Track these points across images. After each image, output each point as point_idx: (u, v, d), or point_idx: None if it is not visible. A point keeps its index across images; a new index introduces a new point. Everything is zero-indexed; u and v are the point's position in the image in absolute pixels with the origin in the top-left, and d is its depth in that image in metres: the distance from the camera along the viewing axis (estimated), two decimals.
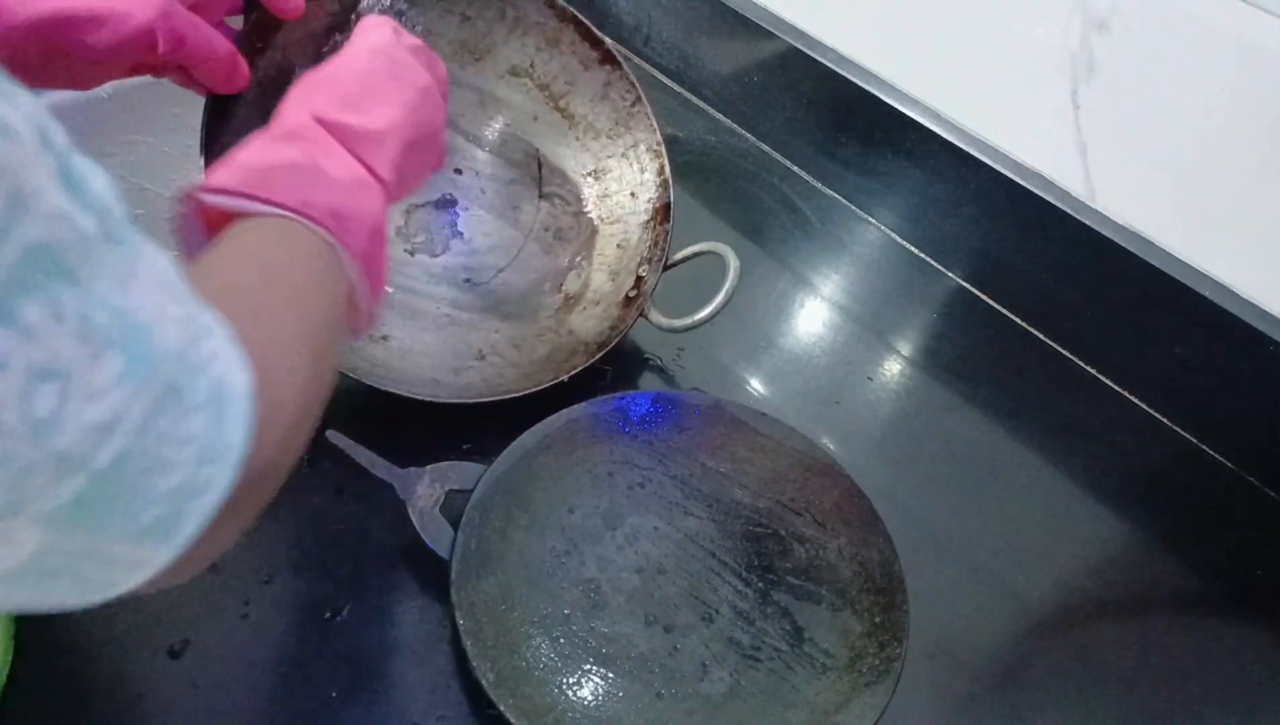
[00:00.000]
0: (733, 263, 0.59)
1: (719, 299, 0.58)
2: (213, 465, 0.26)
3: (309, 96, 0.42)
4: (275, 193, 0.37)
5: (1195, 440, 0.66)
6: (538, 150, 0.67)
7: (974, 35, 0.68)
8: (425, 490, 0.51)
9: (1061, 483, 0.63)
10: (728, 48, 0.83)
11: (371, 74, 0.44)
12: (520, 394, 0.57)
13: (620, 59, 0.62)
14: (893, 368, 0.68)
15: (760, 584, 0.52)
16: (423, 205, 0.67)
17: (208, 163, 0.53)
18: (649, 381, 0.64)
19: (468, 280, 0.67)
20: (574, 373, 0.59)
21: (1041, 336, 0.72)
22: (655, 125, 0.63)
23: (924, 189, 0.74)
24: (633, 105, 0.63)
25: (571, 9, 0.62)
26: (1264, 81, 0.55)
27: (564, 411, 0.57)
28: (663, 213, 0.63)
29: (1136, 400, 0.68)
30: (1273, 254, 0.59)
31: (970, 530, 0.59)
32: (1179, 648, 0.55)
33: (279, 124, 0.41)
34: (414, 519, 0.50)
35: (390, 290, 0.65)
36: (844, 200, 0.80)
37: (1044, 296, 0.71)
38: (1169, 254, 0.63)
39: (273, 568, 0.50)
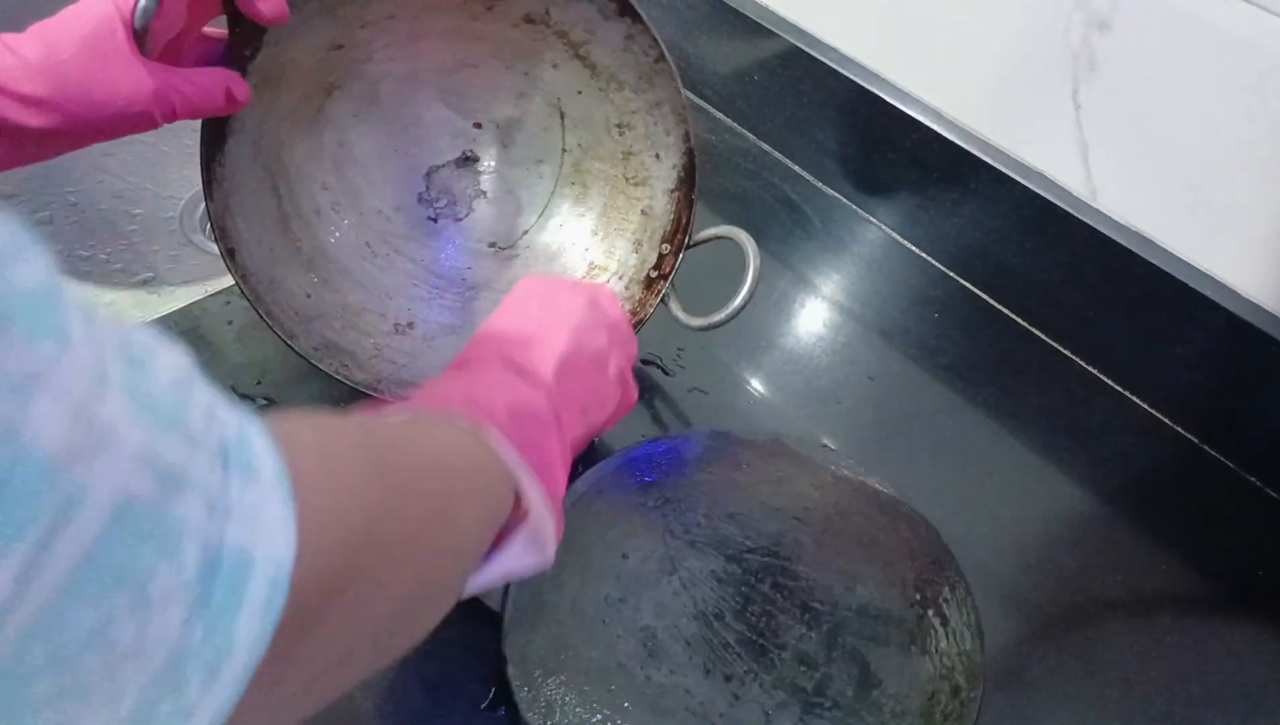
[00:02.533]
0: (752, 258, 0.55)
1: (739, 299, 0.55)
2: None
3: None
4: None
5: (1196, 440, 0.66)
6: (559, 100, 0.63)
7: (975, 34, 0.67)
8: None
9: (1062, 483, 0.63)
10: (728, 47, 0.83)
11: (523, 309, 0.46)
12: None
13: (640, 12, 0.56)
14: (894, 368, 0.68)
15: (824, 627, 0.50)
16: (444, 165, 0.65)
17: (209, 179, 0.52)
18: (648, 381, 0.64)
19: (493, 245, 0.65)
20: None
21: (1043, 336, 0.72)
22: (680, 86, 0.58)
23: (925, 188, 0.74)
24: (656, 62, 0.59)
25: None
26: (1266, 81, 0.55)
27: (617, 455, 0.56)
28: (687, 182, 0.60)
29: (1137, 400, 0.68)
30: (1274, 253, 0.59)
31: (971, 530, 0.59)
32: (1180, 648, 0.55)
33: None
34: None
35: (413, 265, 0.64)
36: (845, 200, 0.80)
37: (1045, 296, 0.71)
38: (1170, 253, 0.63)
39: None
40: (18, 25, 0.42)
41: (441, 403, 0.38)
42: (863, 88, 0.73)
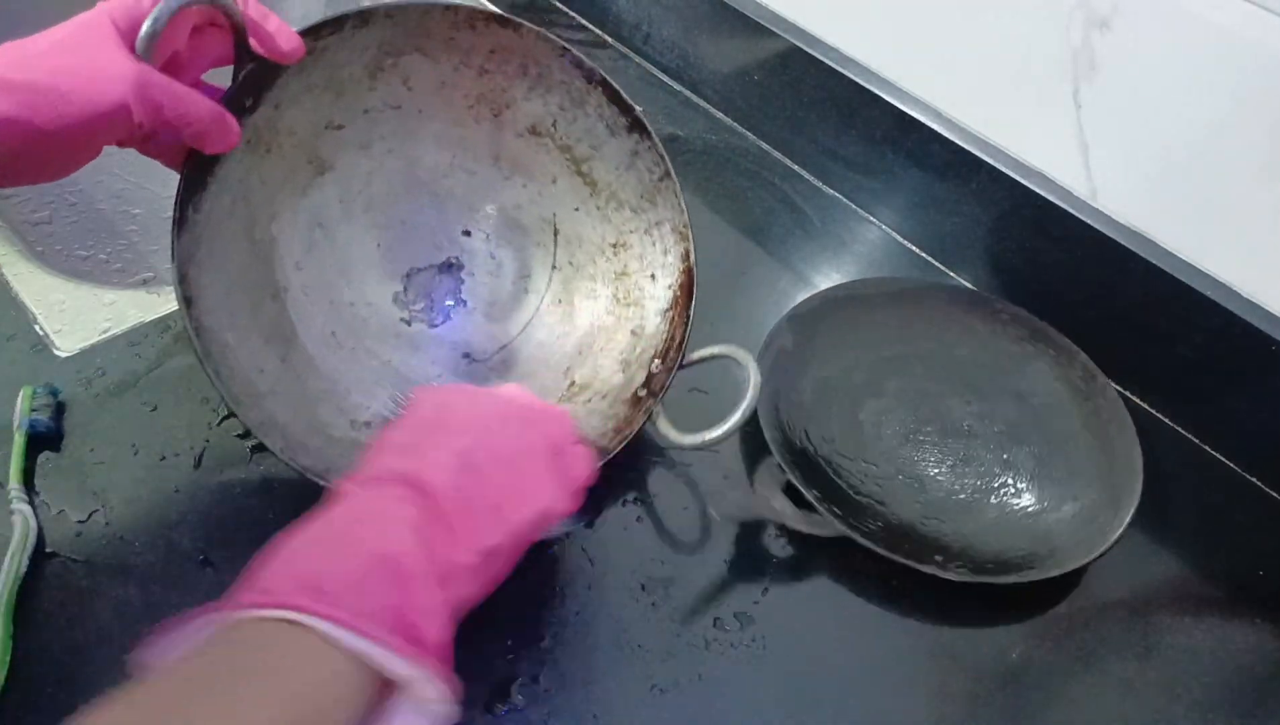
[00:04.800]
0: (753, 376, 0.51)
1: (736, 417, 0.50)
2: None
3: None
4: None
5: (1196, 440, 0.66)
6: (554, 216, 0.61)
7: (975, 34, 0.67)
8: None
9: None
10: (728, 46, 0.83)
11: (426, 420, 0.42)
12: None
13: (650, 128, 0.56)
14: None
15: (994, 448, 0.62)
16: (425, 269, 0.62)
17: (180, 219, 0.48)
18: None
19: (467, 355, 0.62)
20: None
21: None
22: (683, 205, 0.57)
23: (925, 188, 0.74)
24: (660, 180, 0.57)
25: (601, 72, 0.56)
26: (1266, 80, 0.55)
27: (842, 285, 0.69)
28: (684, 302, 0.57)
29: (1137, 400, 0.68)
30: (1274, 253, 0.59)
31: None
32: (1180, 648, 0.55)
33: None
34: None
35: (379, 364, 0.59)
36: (845, 199, 0.80)
37: (1045, 296, 0.71)
38: (1170, 253, 0.63)
39: None
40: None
41: (267, 595, 0.33)
42: (863, 87, 0.73)
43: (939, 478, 0.60)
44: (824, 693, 0.50)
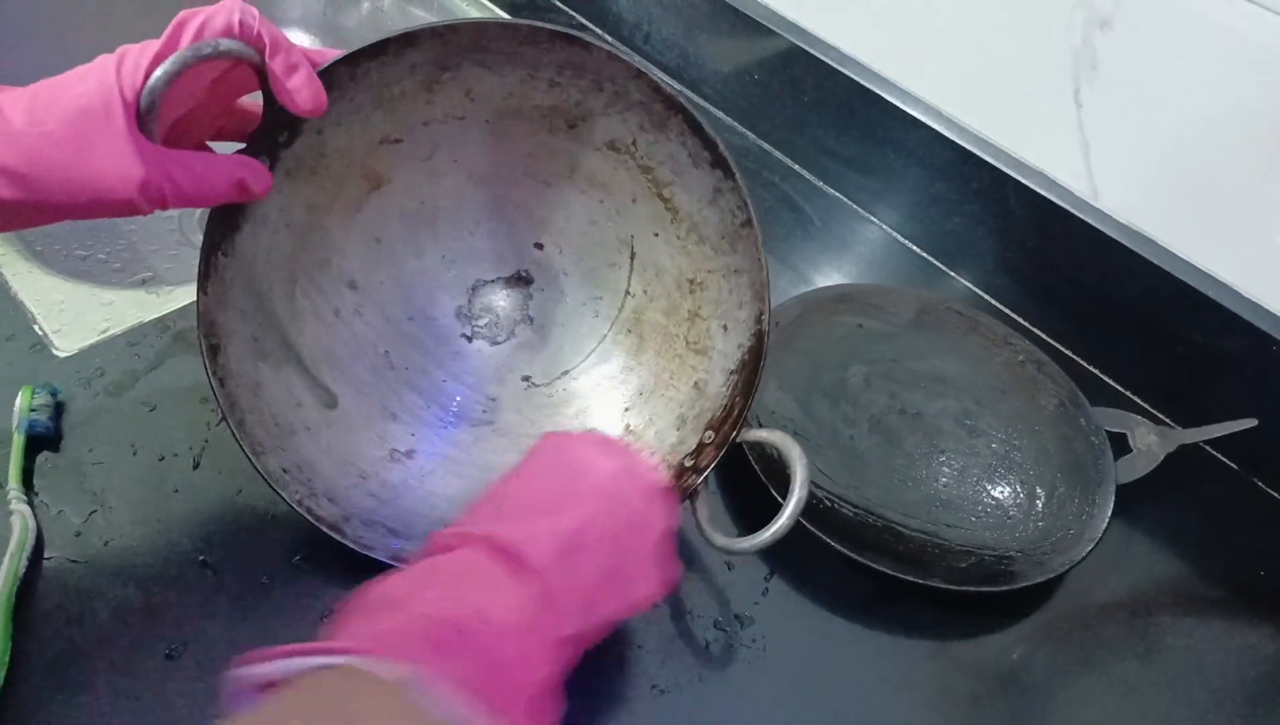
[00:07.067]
0: (800, 472, 0.46)
1: (781, 522, 0.45)
2: None
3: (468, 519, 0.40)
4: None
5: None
6: (632, 237, 0.57)
7: (976, 33, 0.67)
8: None
9: None
10: (728, 46, 0.83)
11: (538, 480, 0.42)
12: None
13: (734, 168, 0.52)
14: None
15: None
16: (493, 281, 0.59)
17: (206, 271, 0.46)
18: None
19: (527, 378, 0.59)
20: None
21: (1043, 335, 0.72)
22: (764, 261, 0.51)
23: (926, 188, 0.74)
24: (742, 226, 0.52)
25: (680, 99, 0.51)
26: (1267, 79, 0.55)
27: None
28: (750, 369, 0.52)
29: (1138, 399, 0.68)
30: (1274, 253, 0.59)
31: None
32: (1181, 649, 0.55)
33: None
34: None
35: (431, 386, 0.57)
36: (846, 199, 0.80)
37: (1045, 295, 0.71)
38: (1171, 253, 0.63)
39: (270, 570, 0.50)
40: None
41: (378, 643, 0.33)
42: (863, 87, 0.73)
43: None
44: (824, 693, 0.50)
